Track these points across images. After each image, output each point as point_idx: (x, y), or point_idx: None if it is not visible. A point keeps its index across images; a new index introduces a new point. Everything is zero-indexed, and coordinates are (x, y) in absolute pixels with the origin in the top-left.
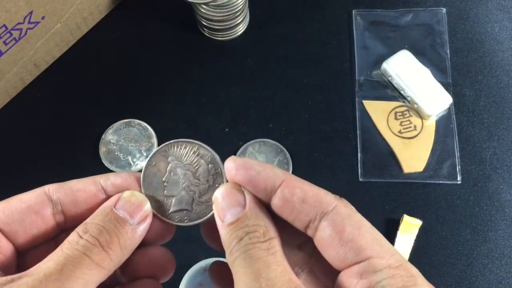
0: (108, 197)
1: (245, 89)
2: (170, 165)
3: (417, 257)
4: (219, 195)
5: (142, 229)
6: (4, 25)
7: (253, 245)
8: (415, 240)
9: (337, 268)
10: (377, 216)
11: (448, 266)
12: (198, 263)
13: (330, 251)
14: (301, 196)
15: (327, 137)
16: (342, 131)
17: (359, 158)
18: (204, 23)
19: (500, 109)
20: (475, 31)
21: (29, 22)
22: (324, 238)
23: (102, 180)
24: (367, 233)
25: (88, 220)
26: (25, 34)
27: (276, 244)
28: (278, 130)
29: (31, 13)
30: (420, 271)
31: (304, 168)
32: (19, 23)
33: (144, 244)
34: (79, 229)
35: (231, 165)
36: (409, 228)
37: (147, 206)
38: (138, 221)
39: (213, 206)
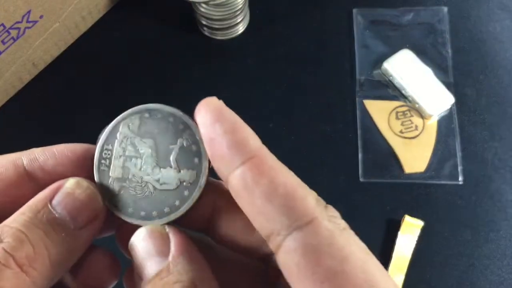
0: (40, 185)
1: (245, 89)
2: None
3: (418, 258)
4: (136, 241)
5: (86, 236)
6: (2, 24)
7: None
8: (416, 241)
9: None
10: (378, 216)
11: (450, 267)
12: None
13: (298, 285)
14: (266, 190)
15: (327, 137)
16: (342, 131)
17: (359, 158)
18: (204, 22)
19: (502, 109)
20: (477, 30)
21: (28, 21)
22: (290, 266)
23: (25, 159)
24: (355, 270)
25: (6, 221)
26: (24, 33)
27: None
28: (278, 130)
29: (29, 12)
30: (422, 272)
31: (304, 168)
32: (17, 22)
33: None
34: None
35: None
36: (410, 228)
37: (98, 202)
38: (83, 223)
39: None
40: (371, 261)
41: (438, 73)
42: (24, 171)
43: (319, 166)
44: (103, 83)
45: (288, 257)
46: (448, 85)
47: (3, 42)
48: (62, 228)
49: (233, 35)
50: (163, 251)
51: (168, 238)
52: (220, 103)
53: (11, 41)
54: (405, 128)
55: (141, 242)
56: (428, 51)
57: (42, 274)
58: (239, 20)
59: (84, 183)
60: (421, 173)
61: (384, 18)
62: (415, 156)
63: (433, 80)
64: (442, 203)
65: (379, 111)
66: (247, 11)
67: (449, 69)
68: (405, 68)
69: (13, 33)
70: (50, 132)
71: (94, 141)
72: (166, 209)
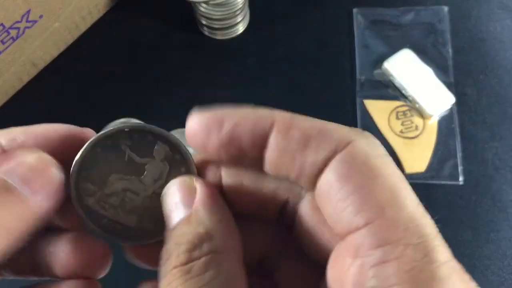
0: None
1: (245, 88)
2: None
3: None
4: (166, 193)
5: (40, 203)
6: (2, 24)
7: (170, 267)
8: None
9: (337, 234)
10: None
11: None
12: None
13: (328, 207)
14: (301, 139)
15: None
16: None
17: None
18: (204, 22)
19: (502, 109)
20: (477, 30)
21: (27, 21)
22: (324, 190)
23: (3, 139)
24: (383, 184)
25: None
26: (23, 33)
27: (215, 261)
28: None
29: (28, 11)
30: None
31: None
32: (17, 22)
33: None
34: None
35: (192, 128)
36: None
37: (52, 169)
38: (35, 189)
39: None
40: (401, 185)
41: (439, 73)
42: (1, 150)
43: None
44: (103, 83)
45: (323, 183)
46: (448, 85)
47: (2, 42)
48: (12, 193)
49: (233, 35)
50: (189, 202)
51: (195, 190)
52: (205, 114)
53: (11, 41)
54: (405, 128)
55: (170, 194)
56: (428, 51)
57: None
58: (239, 20)
59: (36, 150)
60: (421, 173)
61: (385, 18)
62: (415, 156)
63: (434, 80)
64: (442, 204)
65: (379, 111)
66: (247, 11)
67: (449, 69)
68: (406, 68)
69: (13, 33)
70: None
71: None
72: None
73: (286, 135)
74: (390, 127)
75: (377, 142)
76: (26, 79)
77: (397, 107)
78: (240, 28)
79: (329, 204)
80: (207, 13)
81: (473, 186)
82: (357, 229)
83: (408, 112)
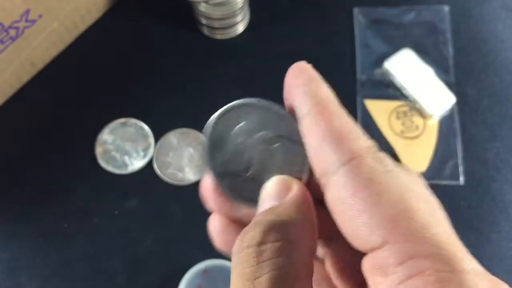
0: None
1: (245, 88)
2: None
3: None
4: (265, 186)
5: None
6: (1, 24)
7: (244, 245)
8: None
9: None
10: None
11: None
12: (197, 264)
13: (342, 222)
14: (322, 131)
15: None
16: None
17: None
18: (204, 22)
19: (503, 109)
20: (479, 30)
21: (26, 21)
22: (332, 201)
23: None
24: (390, 199)
25: None
26: (22, 33)
27: (287, 249)
28: None
29: (28, 11)
30: None
31: None
32: (16, 22)
33: None
34: None
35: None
36: None
37: None
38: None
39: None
40: (411, 194)
41: (439, 73)
42: None
43: None
44: (102, 83)
45: (331, 193)
46: (449, 85)
47: (1, 42)
48: None
49: (233, 35)
50: (281, 197)
51: (290, 187)
52: (304, 65)
53: (10, 40)
54: (406, 128)
55: (267, 187)
56: (429, 50)
57: None
58: (238, 20)
59: None
60: (422, 174)
61: (385, 17)
62: (415, 156)
63: (434, 79)
64: (443, 204)
65: (379, 111)
66: (247, 10)
67: (450, 69)
68: (406, 67)
69: (12, 32)
70: (49, 132)
71: (93, 140)
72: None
73: (312, 129)
74: (391, 127)
75: (385, 159)
76: (25, 79)
77: (398, 107)
78: (240, 28)
79: (343, 220)
80: (206, 12)
81: (474, 186)
82: (377, 248)
83: (408, 112)
